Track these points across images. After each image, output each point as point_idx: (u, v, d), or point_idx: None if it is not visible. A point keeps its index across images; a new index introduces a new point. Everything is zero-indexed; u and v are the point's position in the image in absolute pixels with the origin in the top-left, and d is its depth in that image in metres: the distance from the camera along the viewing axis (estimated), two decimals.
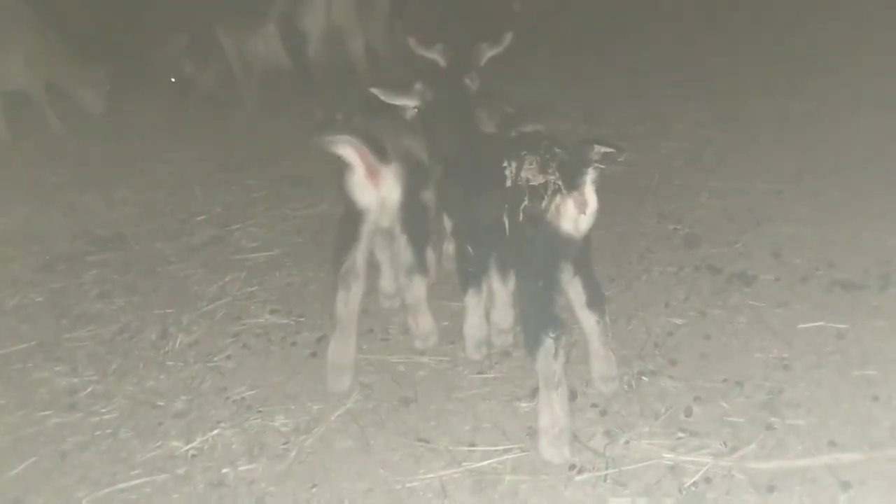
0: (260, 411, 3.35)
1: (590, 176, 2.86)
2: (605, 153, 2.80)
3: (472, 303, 3.49)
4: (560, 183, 2.88)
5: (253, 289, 4.35)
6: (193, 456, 3.15)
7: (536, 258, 2.96)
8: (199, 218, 5.43)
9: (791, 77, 6.93)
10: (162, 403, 3.47)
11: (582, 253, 3.07)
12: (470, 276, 3.45)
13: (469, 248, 3.38)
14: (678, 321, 3.72)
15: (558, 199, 2.89)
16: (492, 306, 3.55)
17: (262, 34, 6.98)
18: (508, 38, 3.98)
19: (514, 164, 2.97)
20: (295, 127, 6.98)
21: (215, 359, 3.72)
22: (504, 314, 3.53)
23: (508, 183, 2.98)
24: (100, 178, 6.26)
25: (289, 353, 3.73)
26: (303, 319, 4.00)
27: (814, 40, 7.78)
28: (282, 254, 4.81)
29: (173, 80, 7.81)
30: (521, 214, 2.94)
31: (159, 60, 7.86)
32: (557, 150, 2.97)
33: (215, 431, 3.25)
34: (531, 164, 2.93)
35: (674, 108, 6.58)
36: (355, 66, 7.19)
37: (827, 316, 3.65)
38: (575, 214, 2.91)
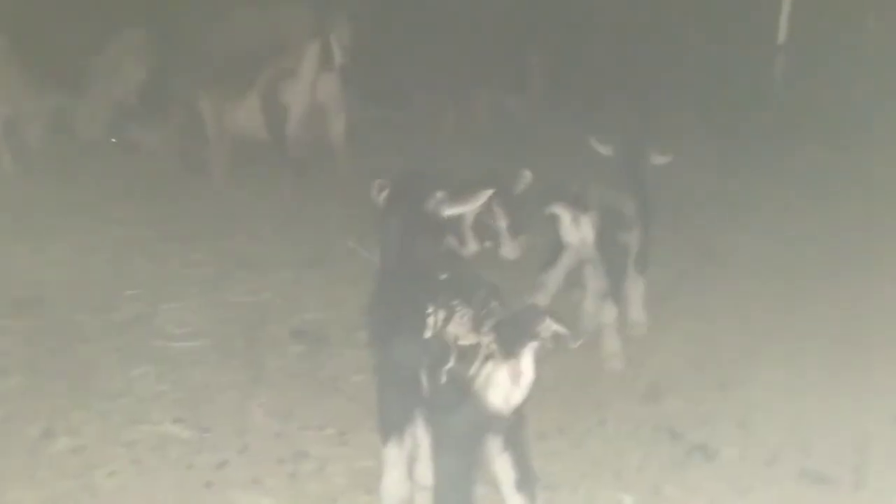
0: None
1: (531, 347, 2.46)
2: (556, 332, 2.41)
3: (393, 456, 2.96)
4: (495, 347, 2.47)
5: (163, 388, 3.90)
6: None
7: (457, 431, 2.56)
8: (129, 292, 4.99)
9: (767, 220, 6.65)
10: None
11: (513, 427, 2.64)
12: (392, 426, 2.94)
13: (390, 394, 2.90)
14: (627, 500, 3.29)
15: (490, 366, 2.48)
16: (414, 459, 3.09)
17: (244, 103, 6.64)
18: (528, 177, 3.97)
19: (441, 315, 2.57)
20: (256, 203, 6.63)
21: (96, 473, 3.24)
22: (428, 471, 3.07)
23: (429, 333, 2.57)
24: (36, 230, 5.83)
25: (182, 478, 3.26)
26: (207, 435, 3.53)
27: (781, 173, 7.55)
28: (207, 347, 4.37)
29: (114, 140, 7.42)
30: (444, 376, 2.52)
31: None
32: (495, 303, 2.58)
33: None
34: (462, 317, 2.53)
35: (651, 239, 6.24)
36: (333, 145, 6.88)
37: None
38: (508, 386, 2.50)
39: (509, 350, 2.47)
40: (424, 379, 2.61)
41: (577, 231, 4.22)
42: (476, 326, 2.52)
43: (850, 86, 9.78)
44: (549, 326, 2.42)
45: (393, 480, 3.01)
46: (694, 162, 7.89)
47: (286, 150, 6.65)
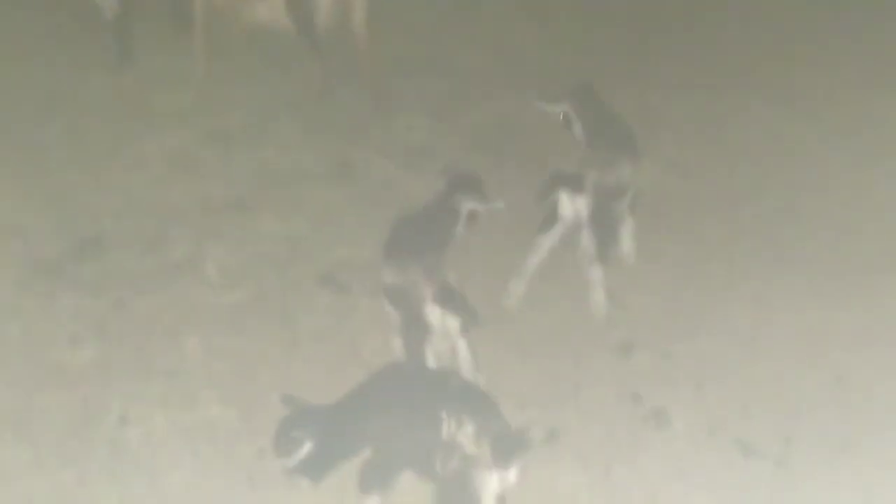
0: None
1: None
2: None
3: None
4: (490, 460, 3.17)
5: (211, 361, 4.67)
6: None
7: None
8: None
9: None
10: None
11: None
12: (381, 482, 3.52)
13: (389, 458, 3.49)
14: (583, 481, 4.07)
15: (486, 474, 3.19)
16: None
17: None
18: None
19: (453, 422, 3.23)
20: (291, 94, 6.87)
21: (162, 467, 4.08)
22: None
23: (444, 435, 3.25)
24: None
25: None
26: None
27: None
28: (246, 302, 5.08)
29: None
30: (450, 472, 3.24)
31: None
32: (494, 419, 3.25)
33: None
34: (467, 430, 3.20)
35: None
36: (356, 36, 6.99)
37: None
38: (498, 491, 3.23)
39: (502, 463, 3.20)
40: (438, 467, 3.29)
41: (573, 207, 4.73)
42: (476, 440, 3.20)
43: None
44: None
45: None
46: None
47: (314, 42, 6.79)
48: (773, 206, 5.87)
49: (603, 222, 4.76)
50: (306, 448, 3.43)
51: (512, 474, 3.26)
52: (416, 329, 4.04)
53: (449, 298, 3.95)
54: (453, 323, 4.01)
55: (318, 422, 3.49)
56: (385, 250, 4.29)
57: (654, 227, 5.45)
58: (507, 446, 3.21)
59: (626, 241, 5.19)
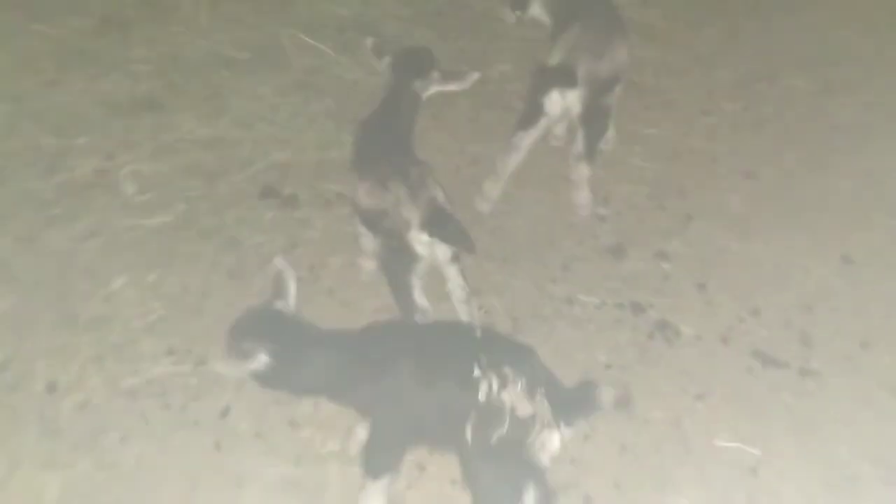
0: None
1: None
2: (621, 399, 2.55)
3: (379, 487, 3.00)
4: (551, 418, 2.62)
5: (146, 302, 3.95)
6: None
7: (504, 482, 2.71)
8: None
9: None
10: None
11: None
12: (390, 464, 2.97)
13: (398, 434, 2.92)
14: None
15: (545, 433, 2.64)
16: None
17: None
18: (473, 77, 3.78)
19: (494, 380, 2.63)
20: None
21: (109, 438, 3.44)
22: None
23: (482, 397, 2.64)
24: None
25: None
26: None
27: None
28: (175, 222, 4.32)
29: None
30: (495, 439, 2.64)
31: None
32: (542, 370, 2.70)
33: None
34: (517, 386, 2.62)
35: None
36: None
37: None
38: (557, 448, 2.69)
39: (568, 421, 2.65)
40: (469, 433, 2.68)
41: (563, 103, 4.06)
42: (530, 394, 2.63)
43: None
44: (610, 394, 2.59)
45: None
46: None
47: None
48: (749, 67, 5.37)
49: (594, 117, 4.13)
50: (261, 360, 2.83)
51: (578, 430, 2.80)
52: (399, 258, 3.40)
53: (441, 225, 3.26)
54: (443, 251, 3.39)
55: (276, 333, 2.88)
56: (354, 164, 3.58)
57: (625, 105, 4.86)
58: (569, 399, 2.69)
59: (610, 128, 4.63)
